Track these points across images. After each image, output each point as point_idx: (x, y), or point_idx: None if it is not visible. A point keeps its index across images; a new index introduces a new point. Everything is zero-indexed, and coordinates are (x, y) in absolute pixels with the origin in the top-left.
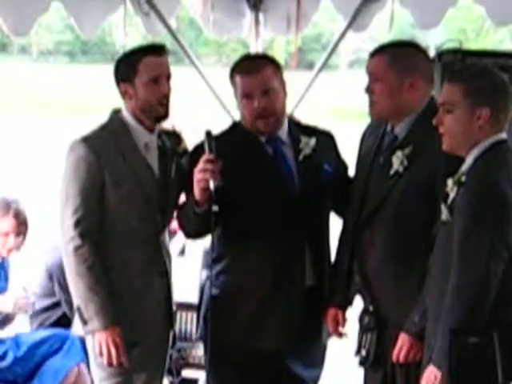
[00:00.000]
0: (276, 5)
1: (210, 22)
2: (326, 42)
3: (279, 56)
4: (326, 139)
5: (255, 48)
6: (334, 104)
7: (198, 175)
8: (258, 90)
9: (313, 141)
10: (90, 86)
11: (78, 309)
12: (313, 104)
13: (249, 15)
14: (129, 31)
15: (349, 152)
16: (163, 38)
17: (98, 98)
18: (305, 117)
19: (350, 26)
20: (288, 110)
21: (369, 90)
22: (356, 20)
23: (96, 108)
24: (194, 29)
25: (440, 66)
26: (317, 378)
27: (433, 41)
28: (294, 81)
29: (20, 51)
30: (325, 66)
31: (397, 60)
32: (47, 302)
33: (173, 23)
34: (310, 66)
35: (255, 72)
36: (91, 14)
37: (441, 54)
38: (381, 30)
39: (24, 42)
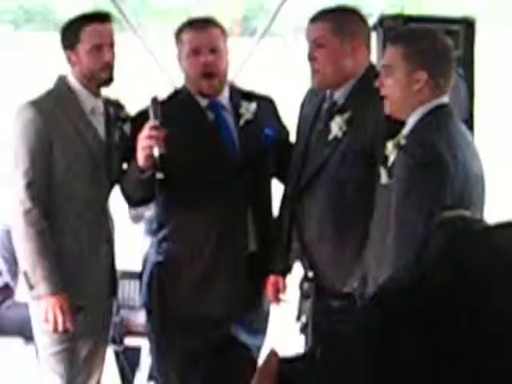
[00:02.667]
0: None
1: None
2: (269, 9)
3: (223, 23)
4: (266, 104)
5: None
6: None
7: (142, 142)
8: (207, 46)
9: (253, 106)
10: (34, 54)
11: (25, 273)
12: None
13: None
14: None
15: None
16: (106, 5)
17: (42, 66)
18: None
19: None
20: (231, 76)
21: (311, 57)
22: None
23: (40, 75)
24: None
25: (381, 32)
26: (260, 345)
27: (377, 7)
28: (239, 47)
29: None
30: (266, 32)
31: (338, 25)
32: None
33: None
34: (254, 33)
35: (204, 29)
36: None
37: (382, 20)
38: None
39: None
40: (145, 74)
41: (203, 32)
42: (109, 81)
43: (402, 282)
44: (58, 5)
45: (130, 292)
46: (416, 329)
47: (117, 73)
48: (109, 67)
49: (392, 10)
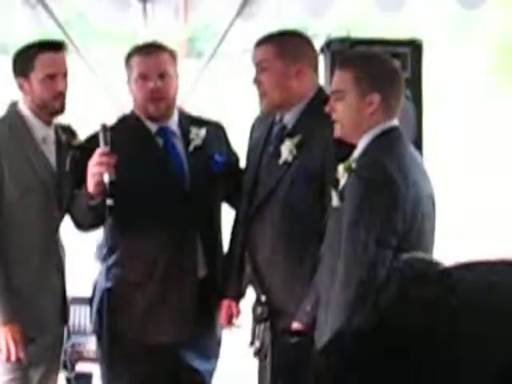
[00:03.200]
0: None
1: (98, 14)
2: (215, 31)
3: (169, 46)
4: (216, 129)
5: (144, 39)
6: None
7: (92, 169)
8: (155, 72)
9: (203, 131)
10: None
11: None
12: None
13: (136, 6)
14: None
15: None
16: (51, 30)
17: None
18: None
19: (238, 14)
20: (181, 98)
21: (257, 81)
22: (244, 8)
23: None
24: (82, 21)
25: (329, 55)
26: (212, 370)
27: (325, 29)
28: (186, 70)
29: None
30: (215, 53)
31: (282, 49)
32: None
33: (60, 15)
34: (200, 55)
35: (153, 54)
36: None
37: (329, 43)
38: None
39: None
40: (92, 98)
41: (152, 57)
42: (61, 110)
43: (359, 327)
44: (4, 27)
45: (81, 318)
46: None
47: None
48: (61, 96)
49: (339, 32)
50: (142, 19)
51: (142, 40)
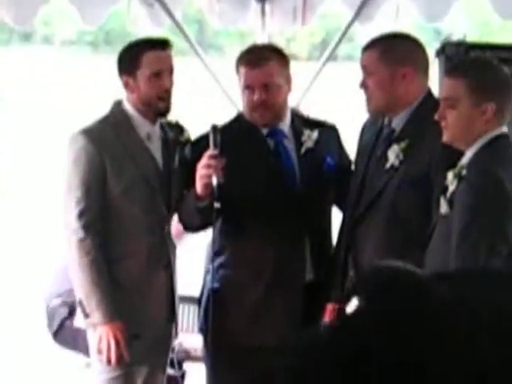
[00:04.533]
0: None
1: (216, 13)
2: (332, 33)
3: (302, 48)
4: (329, 132)
5: (261, 39)
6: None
7: (201, 171)
8: (259, 83)
9: (315, 133)
10: (112, 77)
11: (80, 302)
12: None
13: (255, 6)
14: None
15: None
16: (168, 29)
17: (119, 89)
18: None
19: (356, 17)
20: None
21: (363, 84)
22: (362, 11)
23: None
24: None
25: (444, 59)
26: None
27: (441, 33)
28: (304, 72)
29: (43, 41)
30: (331, 57)
31: (387, 52)
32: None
33: (178, 15)
34: (335, 57)
35: (257, 65)
36: (94, 4)
37: (444, 47)
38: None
39: (47, 32)
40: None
41: (256, 69)
42: (166, 110)
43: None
44: (136, 27)
45: (191, 317)
46: None
47: (181, 96)
48: (167, 95)
49: (456, 36)
50: (260, 20)
51: (258, 41)
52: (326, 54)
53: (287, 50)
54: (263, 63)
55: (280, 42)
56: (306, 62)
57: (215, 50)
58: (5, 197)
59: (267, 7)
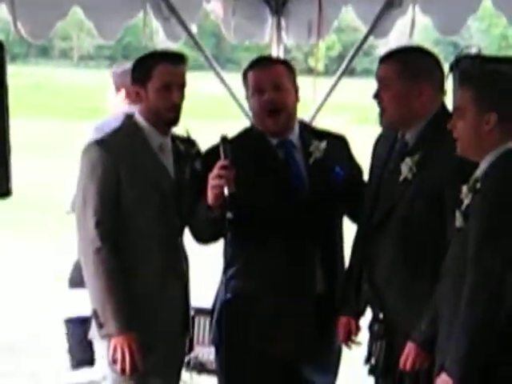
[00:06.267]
0: (298, 10)
1: (232, 27)
2: (367, 48)
3: (319, 61)
4: (337, 142)
5: (276, 54)
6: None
7: (212, 181)
8: (270, 84)
9: (323, 144)
10: None
11: (95, 312)
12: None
13: (270, 20)
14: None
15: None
16: (184, 43)
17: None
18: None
19: (370, 32)
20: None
21: (378, 96)
22: (377, 26)
23: None
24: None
25: (458, 73)
26: None
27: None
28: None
29: (61, 55)
30: (346, 71)
31: (405, 68)
32: None
33: (193, 29)
34: (352, 72)
35: (267, 67)
36: (111, 19)
37: (458, 61)
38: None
39: (65, 46)
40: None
41: (266, 70)
42: (175, 121)
43: None
44: (152, 42)
45: (207, 329)
46: None
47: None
48: (176, 108)
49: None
50: (275, 34)
51: (275, 55)
52: (342, 68)
53: (304, 65)
54: (273, 65)
55: (297, 56)
56: (323, 77)
57: (233, 63)
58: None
59: (283, 21)
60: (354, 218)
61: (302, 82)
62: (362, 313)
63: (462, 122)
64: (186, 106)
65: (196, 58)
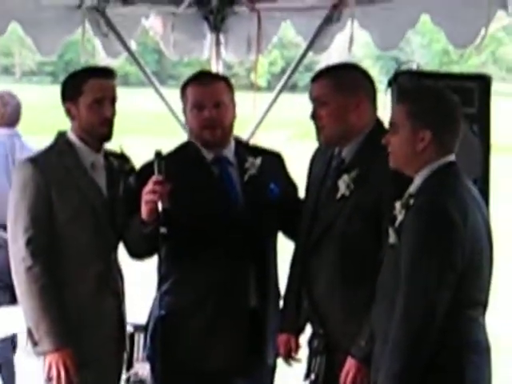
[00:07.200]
0: (237, 26)
1: (171, 43)
2: (309, 63)
3: (262, 77)
4: (272, 159)
5: (216, 69)
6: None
7: (146, 196)
8: (210, 101)
9: (258, 161)
10: None
11: (29, 330)
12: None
13: (209, 36)
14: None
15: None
16: (124, 60)
17: None
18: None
19: (310, 47)
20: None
21: (314, 115)
22: (316, 41)
23: None
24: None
25: (396, 88)
26: None
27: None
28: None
29: (3, 72)
30: (285, 87)
31: (340, 82)
32: None
33: (132, 45)
34: (294, 87)
35: (208, 84)
36: (49, 35)
37: (397, 76)
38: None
39: (7, 63)
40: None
41: (207, 87)
42: (108, 137)
43: None
44: (93, 58)
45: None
46: None
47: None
48: (108, 123)
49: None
50: (215, 49)
51: (215, 70)
52: (281, 83)
53: (246, 80)
54: (214, 82)
55: (240, 72)
56: (265, 92)
57: (174, 79)
58: None
59: (222, 37)
60: (289, 235)
61: (244, 97)
62: (301, 329)
63: (396, 137)
64: (127, 122)
65: (137, 74)
